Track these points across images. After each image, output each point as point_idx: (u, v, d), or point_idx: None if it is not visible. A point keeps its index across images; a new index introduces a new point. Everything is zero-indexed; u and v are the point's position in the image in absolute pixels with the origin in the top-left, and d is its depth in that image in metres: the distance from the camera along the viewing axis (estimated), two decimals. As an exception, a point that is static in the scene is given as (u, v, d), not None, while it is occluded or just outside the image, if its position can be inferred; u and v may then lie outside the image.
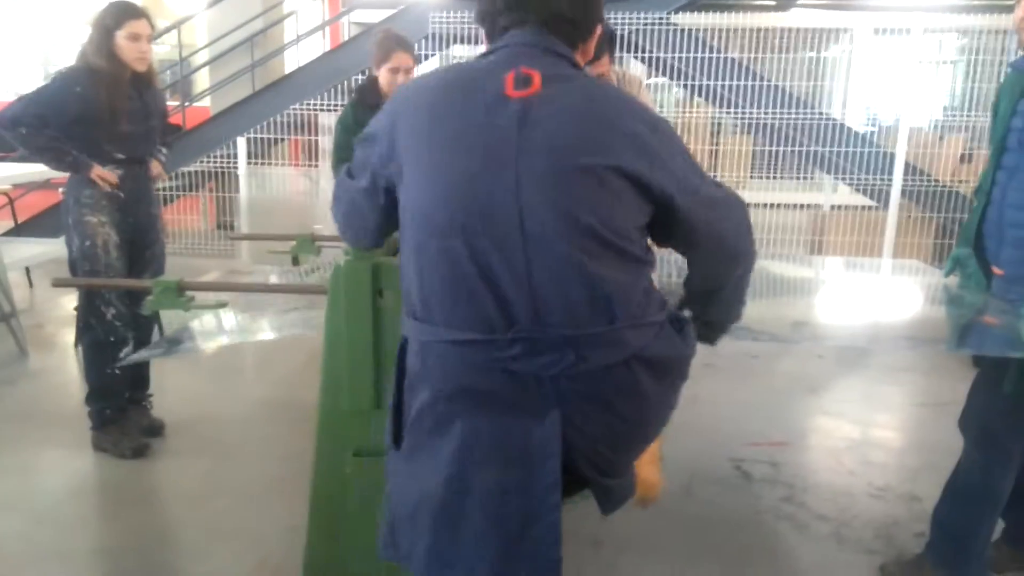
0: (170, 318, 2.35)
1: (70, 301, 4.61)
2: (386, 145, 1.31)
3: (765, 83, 6.00)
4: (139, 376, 3.22)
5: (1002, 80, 2.26)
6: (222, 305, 2.01)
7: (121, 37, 2.79)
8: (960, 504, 2.18)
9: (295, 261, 2.78)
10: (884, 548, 2.48)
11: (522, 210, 1.19)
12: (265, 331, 2.36)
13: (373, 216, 1.41)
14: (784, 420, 3.55)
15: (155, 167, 3.08)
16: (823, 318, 2.63)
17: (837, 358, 4.44)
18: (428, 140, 1.25)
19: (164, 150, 3.18)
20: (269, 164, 6.77)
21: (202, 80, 8.19)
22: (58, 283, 2.16)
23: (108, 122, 2.82)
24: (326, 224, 5.26)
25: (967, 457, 2.18)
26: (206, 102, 7.61)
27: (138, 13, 2.83)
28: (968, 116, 6.22)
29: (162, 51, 9.09)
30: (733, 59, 5.97)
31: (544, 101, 1.22)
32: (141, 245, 3.06)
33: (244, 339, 2.23)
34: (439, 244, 1.22)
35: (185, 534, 2.53)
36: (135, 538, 2.46)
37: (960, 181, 6.06)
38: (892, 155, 5.96)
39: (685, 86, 6.19)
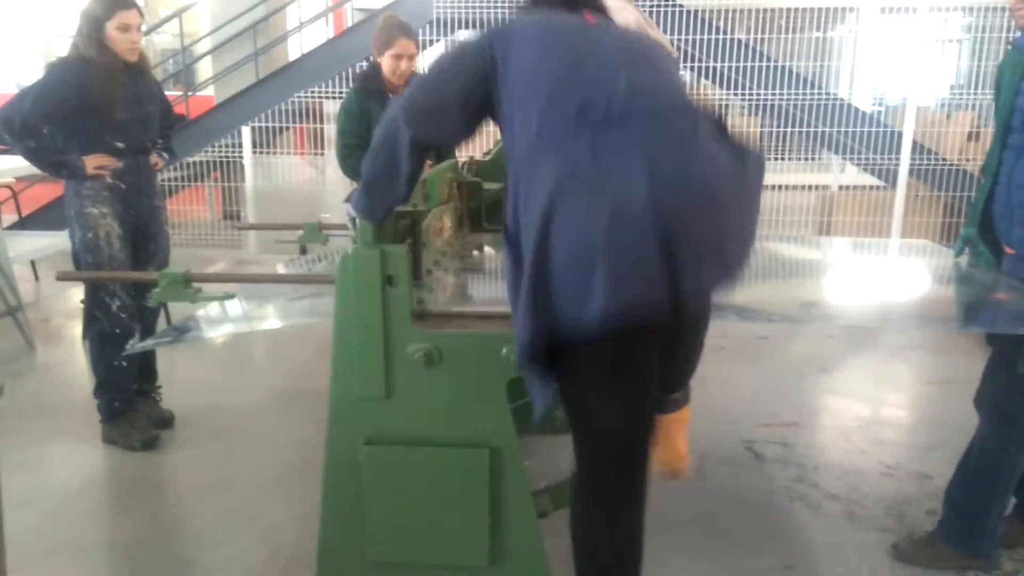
0: (176, 308, 2.35)
1: (76, 294, 4.62)
2: (499, 49, 1.57)
3: (772, 64, 5.96)
4: (146, 368, 3.23)
5: (1003, 59, 2.23)
6: (229, 297, 2.00)
7: (111, 28, 2.78)
8: (974, 482, 2.18)
9: (303, 250, 2.77)
10: (896, 526, 2.47)
11: (627, 66, 1.56)
12: (272, 319, 2.36)
13: (461, 117, 1.62)
14: (795, 400, 3.55)
15: (153, 157, 3.07)
16: (833, 298, 2.62)
17: (847, 338, 4.42)
18: (539, 45, 1.59)
19: (166, 155, 3.17)
20: (274, 153, 6.75)
21: (205, 69, 8.16)
22: (62, 276, 2.15)
23: (104, 111, 2.81)
24: (333, 212, 5.25)
25: (982, 435, 2.17)
26: (209, 91, 7.58)
27: (128, 3, 2.81)
28: (975, 94, 6.17)
29: (164, 40, 9.06)
30: (739, 40, 5.93)
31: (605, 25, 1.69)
32: (145, 237, 3.05)
33: (251, 327, 2.23)
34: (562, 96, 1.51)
35: (197, 525, 2.53)
36: (147, 530, 2.46)
37: (968, 159, 6.01)
38: (899, 134, 5.92)
39: (692, 68, 6.15)
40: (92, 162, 2.85)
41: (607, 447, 1.60)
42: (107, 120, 2.84)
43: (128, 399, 3.07)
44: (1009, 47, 2.21)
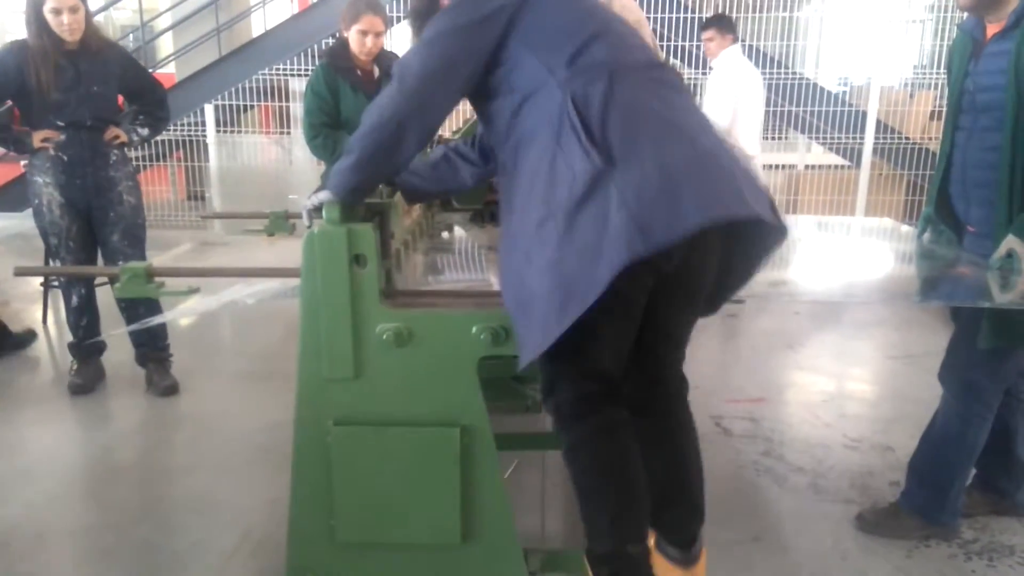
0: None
1: (36, 277, 4.51)
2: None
3: (739, 43, 5.96)
4: (150, 330, 3.29)
5: (952, 41, 2.26)
6: (194, 291, 1.96)
7: (46, 11, 2.87)
8: (937, 454, 2.22)
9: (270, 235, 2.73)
10: (860, 497, 2.53)
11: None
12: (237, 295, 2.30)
13: (475, 57, 1.56)
14: (762, 376, 3.60)
15: (111, 132, 3.12)
16: (799, 276, 2.65)
17: (812, 314, 4.49)
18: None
19: (144, 131, 3.25)
20: (239, 132, 6.63)
21: (165, 45, 7.98)
22: (20, 272, 2.09)
23: (38, 93, 2.95)
24: (302, 194, 5.16)
25: (946, 408, 2.21)
26: (170, 68, 7.42)
27: None
28: (937, 73, 6.25)
29: (123, 16, 8.83)
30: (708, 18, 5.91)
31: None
32: (102, 206, 3.13)
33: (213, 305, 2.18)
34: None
35: (165, 509, 2.49)
36: (113, 515, 2.42)
37: (930, 138, 6.11)
38: (864, 114, 5.99)
39: (660, 47, 6.15)
40: (38, 136, 3.01)
41: (594, 385, 1.60)
42: (43, 101, 2.98)
43: (77, 344, 3.25)
44: (957, 30, 2.23)
